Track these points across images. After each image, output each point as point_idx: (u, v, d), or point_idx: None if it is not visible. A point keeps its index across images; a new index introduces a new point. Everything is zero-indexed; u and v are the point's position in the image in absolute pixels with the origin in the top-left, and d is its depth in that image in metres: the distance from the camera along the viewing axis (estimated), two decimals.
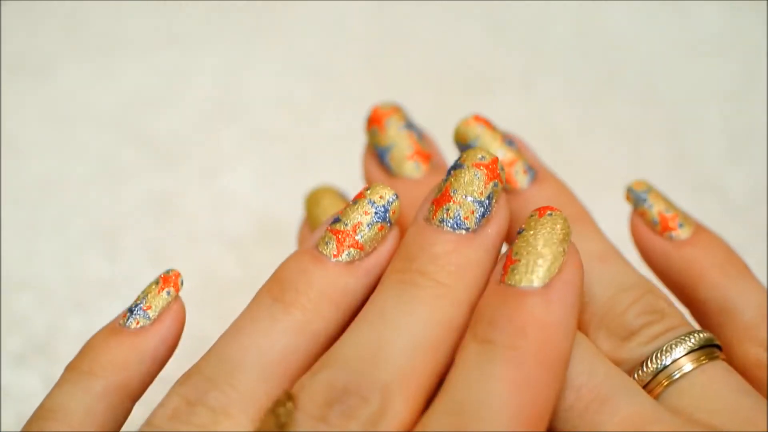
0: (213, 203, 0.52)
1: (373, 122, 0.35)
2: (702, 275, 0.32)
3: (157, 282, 0.31)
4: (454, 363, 0.27)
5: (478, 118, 0.34)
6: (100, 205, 0.52)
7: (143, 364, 0.29)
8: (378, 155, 0.35)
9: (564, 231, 0.28)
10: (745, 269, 0.33)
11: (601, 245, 0.32)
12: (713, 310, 0.32)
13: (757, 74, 0.59)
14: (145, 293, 0.30)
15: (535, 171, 0.34)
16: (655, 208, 0.34)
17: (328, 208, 0.35)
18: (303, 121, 0.57)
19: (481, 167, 0.29)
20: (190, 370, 0.28)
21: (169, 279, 0.31)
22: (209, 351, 0.28)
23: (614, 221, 0.50)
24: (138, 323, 0.30)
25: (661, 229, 0.34)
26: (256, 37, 0.63)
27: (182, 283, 0.31)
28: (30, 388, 0.44)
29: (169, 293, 0.30)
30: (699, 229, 0.34)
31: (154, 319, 0.30)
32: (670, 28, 0.63)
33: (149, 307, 0.30)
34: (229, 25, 0.64)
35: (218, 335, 0.29)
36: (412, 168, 0.34)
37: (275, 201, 0.50)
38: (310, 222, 0.36)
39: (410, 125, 0.35)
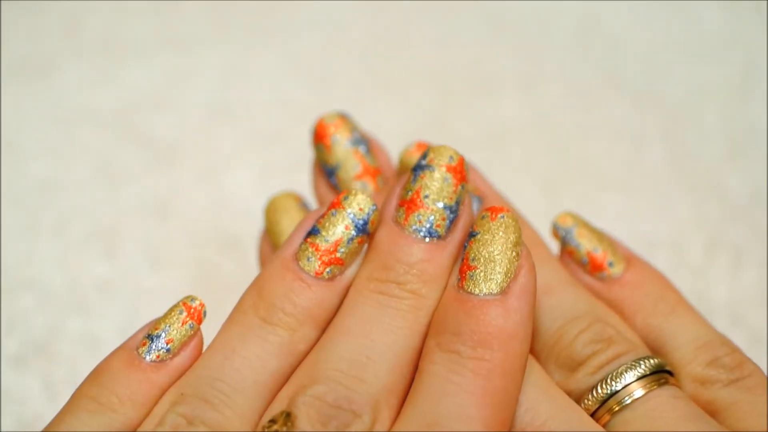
0: (212, 204, 0.52)
1: (319, 139, 0.35)
2: (633, 316, 0.32)
3: (180, 311, 0.30)
4: (420, 369, 0.27)
5: (421, 146, 0.34)
6: (100, 205, 0.52)
7: (157, 399, 0.28)
8: (326, 173, 0.35)
9: (516, 234, 0.28)
10: (678, 303, 0.32)
11: (550, 275, 0.32)
12: (649, 348, 0.31)
13: (757, 74, 0.59)
14: (167, 322, 0.29)
15: (482, 201, 0.34)
16: (583, 248, 0.33)
17: (293, 222, 0.34)
18: (302, 121, 0.57)
19: (450, 170, 0.29)
20: (181, 387, 0.28)
21: (193, 311, 0.30)
22: (200, 368, 0.28)
23: (614, 221, 0.51)
24: (158, 357, 0.29)
25: (591, 269, 0.33)
26: (255, 38, 0.63)
27: (205, 315, 0.30)
28: (30, 390, 0.44)
29: (191, 327, 0.29)
30: (631, 263, 0.33)
31: (174, 353, 0.29)
32: (670, 28, 0.63)
33: (171, 341, 0.29)
34: (228, 26, 0.64)
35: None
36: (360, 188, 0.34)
37: None
38: (271, 236, 0.35)
39: (357, 140, 0.35)
